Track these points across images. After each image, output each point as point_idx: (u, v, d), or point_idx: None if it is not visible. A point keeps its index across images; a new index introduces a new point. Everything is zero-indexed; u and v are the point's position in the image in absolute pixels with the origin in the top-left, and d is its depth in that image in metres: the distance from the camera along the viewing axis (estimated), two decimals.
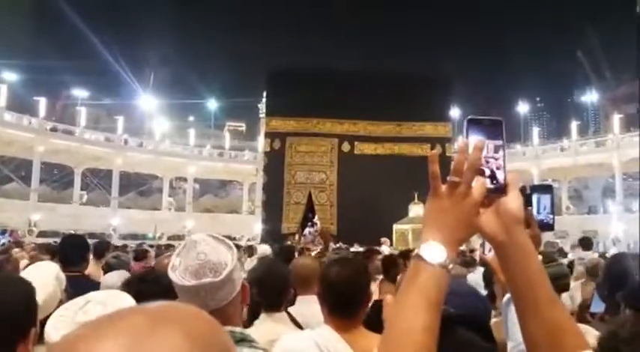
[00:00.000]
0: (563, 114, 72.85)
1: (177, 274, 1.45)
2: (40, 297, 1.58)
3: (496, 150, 0.89)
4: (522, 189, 1.23)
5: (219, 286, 1.45)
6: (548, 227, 1.27)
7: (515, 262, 0.86)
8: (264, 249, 6.73)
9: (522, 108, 51.18)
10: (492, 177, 0.88)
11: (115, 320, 0.43)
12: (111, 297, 1.42)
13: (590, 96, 57.23)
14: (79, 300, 1.38)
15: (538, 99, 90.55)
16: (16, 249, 9.16)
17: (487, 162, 0.88)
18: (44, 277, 1.75)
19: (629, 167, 35.10)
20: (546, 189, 1.30)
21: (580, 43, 61.70)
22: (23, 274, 1.83)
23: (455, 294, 1.20)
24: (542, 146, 40.64)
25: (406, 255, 5.34)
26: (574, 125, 40.34)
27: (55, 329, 1.30)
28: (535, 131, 43.29)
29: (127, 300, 1.44)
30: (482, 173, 0.87)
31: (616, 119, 36.62)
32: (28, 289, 1.48)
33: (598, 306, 2.43)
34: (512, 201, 0.88)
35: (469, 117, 0.91)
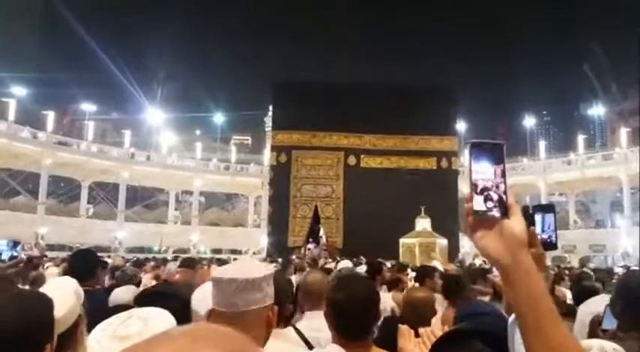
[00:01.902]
0: (570, 127, 72.81)
1: (220, 270, 1.65)
2: (60, 311, 1.60)
3: (500, 174, 0.91)
4: (525, 209, 1.25)
5: (249, 286, 1.56)
6: (551, 246, 1.28)
7: (519, 284, 0.88)
8: (346, 263, 6.41)
9: (529, 121, 51.15)
10: (494, 200, 0.90)
11: (158, 341, 0.45)
12: (152, 313, 1.47)
13: (597, 110, 57.13)
14: (122, 315, 1.44)
15: (545, 112, 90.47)
16: (49, 263, 9.15)
17: (494, 186, 0.91)
18: (64, 292, 1.78)
19: (637, 181, 34.88)
20: (549, 208, 1.32)
21: (586, 57, 61.76)
22: (42, 289, 1.86)
23: (474, 314, 1.23)
24: (548, 159, 40.50)
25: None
26: (581, 139, 40.27)
27: (97, 341, 1.35)
28: (542, 145, 43.20)
29: (167, 317, 1.49)
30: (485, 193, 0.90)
31: (623, 133, 36.50)
32: (45, 304, 1.50)
33: (610, 323, 2.39)
34: (516, 223, 0.90)
35: (472, 141, 0.94)
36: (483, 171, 0.92)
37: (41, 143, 33.26)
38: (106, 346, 1.31)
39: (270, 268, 1.74)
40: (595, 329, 3.44)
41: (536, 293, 0.87)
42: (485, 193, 0.90)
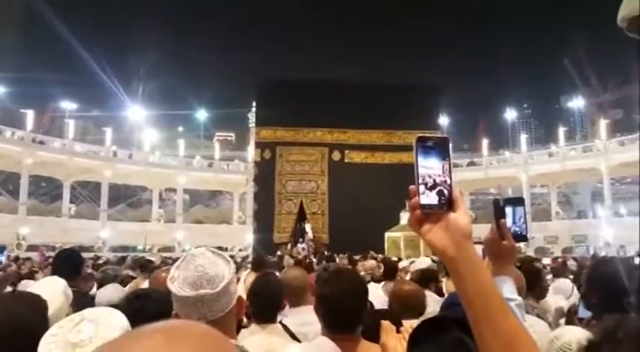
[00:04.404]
0: (551, 120, 73.72)
1: (176, 285, 1.49)
2: (49, 310, 1.60)
3: (444, 169, 0.94)
4: (496, 202, 1.27)
5: (216, 298, 1.48)
6: (522, 238, 1.31)
7: (466, 275, 0.90)
8: (425, 261, 6.28)
9: (510, 114, 51.67)
10: (440, 193, 0.93)
11: (133, 340, 0.45)
12: (103, 315, 1.43)
13: (577, 103, 57.86)
14: (74, 317, 1.40)
15: (525, 105, 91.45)
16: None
17: (440, 180, 0.93)
18: (53, 292, 1.78)
19: (617, 172, 35.46)
20: (519, 201, 1.34)
21: (566, 50, 62.47)
22: (32, 289, 1.87)
23: (453, 304, 1.26)
24: (530, 152, 40.92)
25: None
26: (561, 131, 40.74)
27: (48, 349, 1.30)
28: (523, 137, 43.61)
29: (119, 318, 1.46)
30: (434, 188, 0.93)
31: (602, 125, 37.01)
32: (41, 305, 1.53)
33: (585, 311, 2.42)
34: (461, 216, 0.93)
35: (418, 135, 0.96)
36: (430, 165, 0.94)
37: (21, 142, 32.73)
38: None
39: (228, 259, 1.58)
40: (572, 317, 3.51)
41: (482, 283, 0.90)
42: (431, 187, 0.93)
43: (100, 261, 13.59)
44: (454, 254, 0.90)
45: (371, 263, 8.80)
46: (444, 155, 0.95)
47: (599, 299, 2.12)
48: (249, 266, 8.36)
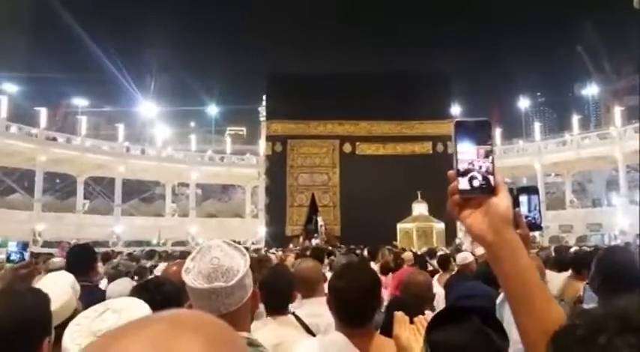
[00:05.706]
0: (565, 108, 72.82)
1: (191, 277, 1.49)
2: (55, 305, 1.63)
3: (486, 154, 0.92)
4: (510, 191, 1.25)
5: (230, 291, 1.47)
6: (537, 227, 1.29)
7: (505, 260, 0.89)
8: (467, 256, 6.28)
9: (523, 103, 51.14)
10: (479, 178, 0.91)
11: (137, 328, 0.45)
12: (127, 305, 1.44)
13: (591, 90, 57.15)
14: (99, 307, 1.40)
15: (539, 93, 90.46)
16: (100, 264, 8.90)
17: (478, 165, 0.91)
18: (61, 286, 1.79)
19: (633, 159, 34.93)
20: (533, 190, 1.33)
21: (580, 37, 61.61)
22: (40, 284, 1.88)
23: (467, 296, 1.24)
24: (544, 141, 40.51)
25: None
26: (575, 119, 40.26)
27: (72, 338, 1.31)
28: (537, 126, 43.15)
29: (143, 308, 1.46)
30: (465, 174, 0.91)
31: (617, 111, 36.49)
32: (43, 300, 1.56)
33: (591, 301, 2.40)
34: (501, 201, 0.91)
35: (457, 120, 0.94)
36: (468, 149, 0.92)
37: (35, 140, 33.05)
38: (79, 342, 1.28)
39: (244, 252, 1.57)
40: (577, 307, 3.48)
41: (522, 268, 0.89)
42: (471, 171, 0.91)
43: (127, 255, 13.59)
44: (492, 238, 0.89)
45: (408, 254, 8.78)
46: (484, 139, 0.93)
47: (599, 284, 2.13)
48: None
